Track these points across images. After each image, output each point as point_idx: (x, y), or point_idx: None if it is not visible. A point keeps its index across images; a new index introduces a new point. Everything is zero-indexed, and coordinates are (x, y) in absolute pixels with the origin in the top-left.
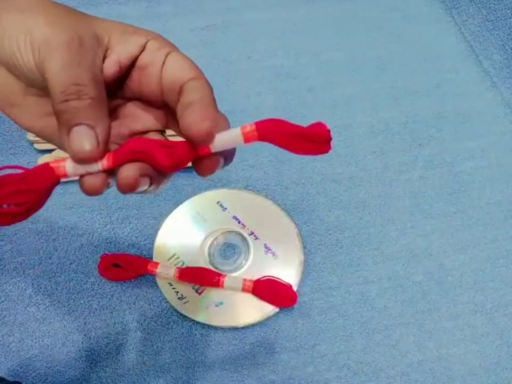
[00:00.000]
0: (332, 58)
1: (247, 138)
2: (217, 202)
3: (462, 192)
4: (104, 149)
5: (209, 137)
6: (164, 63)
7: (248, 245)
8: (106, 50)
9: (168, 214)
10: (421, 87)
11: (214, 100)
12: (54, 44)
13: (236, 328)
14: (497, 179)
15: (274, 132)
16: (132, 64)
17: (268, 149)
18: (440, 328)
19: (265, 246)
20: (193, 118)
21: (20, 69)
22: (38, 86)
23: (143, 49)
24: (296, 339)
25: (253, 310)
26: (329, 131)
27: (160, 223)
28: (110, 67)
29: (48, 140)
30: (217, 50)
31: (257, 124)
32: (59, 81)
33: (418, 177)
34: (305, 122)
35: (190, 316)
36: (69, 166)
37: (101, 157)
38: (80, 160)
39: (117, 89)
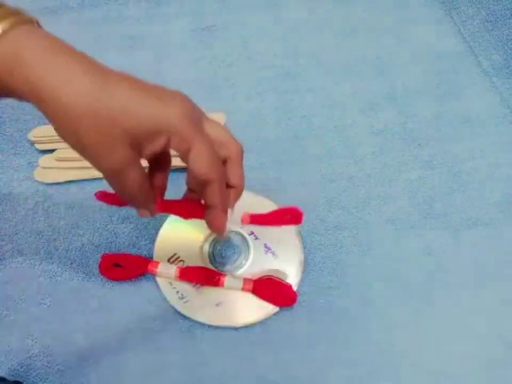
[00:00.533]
0: (332, 58)
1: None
2: None
3: (462, 192)
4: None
5: (222, 233)
6: (188, 159)
7: (248, 244)
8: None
9: (168, 214)
10: (420, 88)
11: (225, 204)
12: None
13: (235, 328)
14: (497, 179)
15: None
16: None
17: (268, 149)
18: (440, 328)
19: (265, 246)
20: (212, 219)
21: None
22: None
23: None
24: (296, 339)
25: (253, 310)
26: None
27: (160, 223)
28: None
29: None
30: (217, 50)
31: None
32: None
33: (417, 177)
34: (305, 122)
35: (190, 315)
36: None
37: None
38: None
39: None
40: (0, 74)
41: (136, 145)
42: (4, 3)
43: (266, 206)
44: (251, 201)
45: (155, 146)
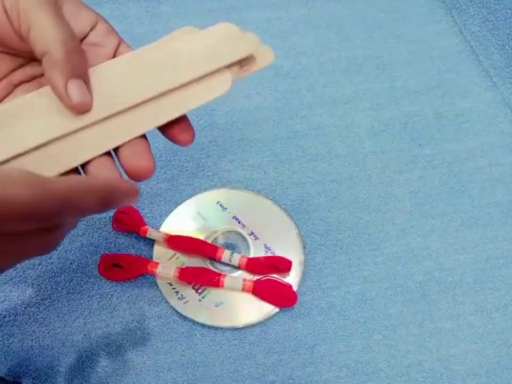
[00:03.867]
0: (332, 58)
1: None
2: (217, 202)
3: (462, 192)
4: (92, 102)
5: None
6: (117, 49)
7: (248, 245)
8: None
9: (168, 214)
10: (421, 87)
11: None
12: (37, 1)
13: (236, 328)
14: (497, 179)
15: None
16: (82, 39)
17: (268, 149)
18: (440, 328)
19: (265, 246)
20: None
21: None
22: (4, 44)
23: (92, 27)
24: (296, 339)
25: (253, 310)
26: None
27: (160, 223)
28: None
29: None
30: None
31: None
32: (57, 32)
33: (418, 177)
34: (305, 122)
35: (190, 316)
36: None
37: (91, 106)
38: (78, 110)
39: None
40: None
41: None
42: None
43: (266, 206)
44: (251, 201)
45: (83, 24)
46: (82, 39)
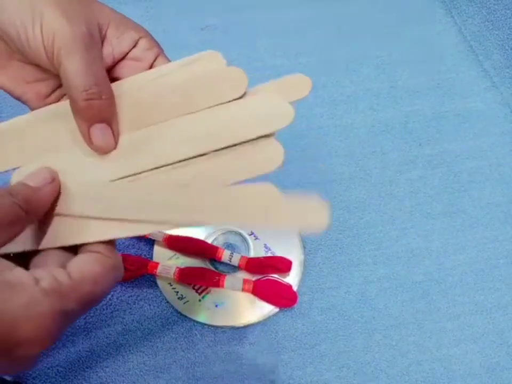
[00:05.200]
0: (332, 58)
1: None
2: None
3: (462, 192)
4: (117, 140)
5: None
6: (153, 63)
7: (248, 245)
8: (103, 40)
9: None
10: (421, 87)
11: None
12: (72, 38)
13: (236, 328)
14: (497, 179)
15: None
16: (123, 57)
17: None
18: (440, 328)
19: (265, 246)
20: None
21: (18, 44)
22: (33, 62)
23: (135, 45)
24: (296, 339)
25: (253, 310)
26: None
27: None
28: (106, 59)
29: (25, 103)
30: (217, 50)
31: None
32: (81, 79)
33: (418, 177)
34: (305, 122)
35: (190, 315)
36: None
37: (114, 147)
38: (101, 153)
39: None
40: None
41: None
42: None
43: None
44: None
45: (125, 43)
46: (124, 57)
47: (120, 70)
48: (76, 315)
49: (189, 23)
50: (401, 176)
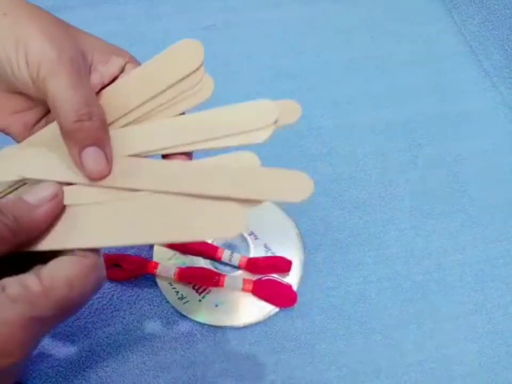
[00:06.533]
0: (332, 58)
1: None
2: None
3: (462, 192)
4: (111, 165)
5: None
6: None
7: (248, 244)
8: (90, 67)
9: None
10: (421, 87)
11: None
12: (58, 64)
13: (236, 328)
14: (497, 179)
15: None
16: (110, 83)
17: (268, 149)
18: (440, 328)
19: (265, 246)
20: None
21: (3, 77)
22: (21, 91)
23: (122, 70)
24: (296, 339)
25: (253, 310)
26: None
27: None
28: (95, 86)
29: (11, 136)
30: (217, 50)
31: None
32: (70, 102)
33: (418, 177)
34: (305, 121)
35: (190, 316)
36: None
37: (109, 173)
38: (94, 178)
39: None
40: None
41: None
42: None
43: (266, 206)
44: None
45: (112, 69)
46: (112, 81)
47: None
48: (54, 321)
49: (189, 23)
50: (401, 176)
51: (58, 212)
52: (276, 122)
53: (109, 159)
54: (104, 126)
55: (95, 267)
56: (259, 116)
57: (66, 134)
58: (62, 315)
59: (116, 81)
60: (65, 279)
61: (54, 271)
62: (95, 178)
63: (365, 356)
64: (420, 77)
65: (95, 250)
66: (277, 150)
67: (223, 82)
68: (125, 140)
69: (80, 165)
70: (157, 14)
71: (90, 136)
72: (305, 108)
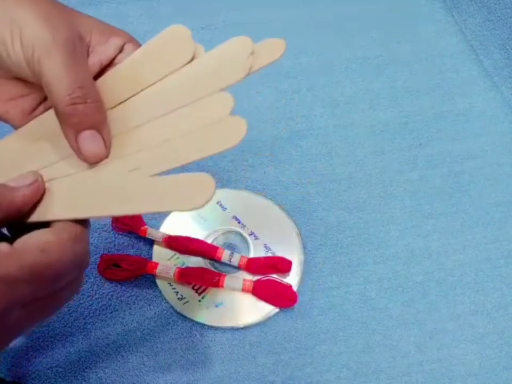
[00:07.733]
0: (331, 58)
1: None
2: (217, 202)
3: (462, 192)
4: (109, 148)
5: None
6: None
7: (248, 245)
8: (88, 48)
9: (168, 214)
10: (421, 87)
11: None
12: (52, 44)
13: (235, 328)
14: (497, 179)
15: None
16: (109, 63)
17: (268, 149)
18: (440, 328)
19: (265, 246)
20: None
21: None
22: (17, 76)
23: (120, 50)
24: (296, 339)
25: (253, 310)
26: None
27: (160, 223)
28: (93, 67)
29: (8, 123)
30: None
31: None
32: (63, 84)
33: (418, 177)
34: (305, 121)
35: (190, 316)
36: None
37: (106, 156)
38: (91, 162)
39: None
40: None
41: None
42: None
43: (266, 206)
44: (251, 201)
45: (111, 49)
46: (110, 63)
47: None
48: (27, 287)
49: (189, 23)
50: (401, 176)
51: (37, 196)
52: (252, 53)
53: (106, 142)
54: (100, 108)
55: (73, 237)
56: (235, 52)
57: (61, 118)
58: (35, 280)
59: (118, 66)
60: (37, 243)
61: (27, 238)
62: (92, 162)
63: (365, 357)
64: (420, 76)
65: (77, 222)
66: (277, 150)
67: None
68: (119, 118)
69: (77, 149)
70: (157, 14)
71: (86, 119)
72: (305, 107)
